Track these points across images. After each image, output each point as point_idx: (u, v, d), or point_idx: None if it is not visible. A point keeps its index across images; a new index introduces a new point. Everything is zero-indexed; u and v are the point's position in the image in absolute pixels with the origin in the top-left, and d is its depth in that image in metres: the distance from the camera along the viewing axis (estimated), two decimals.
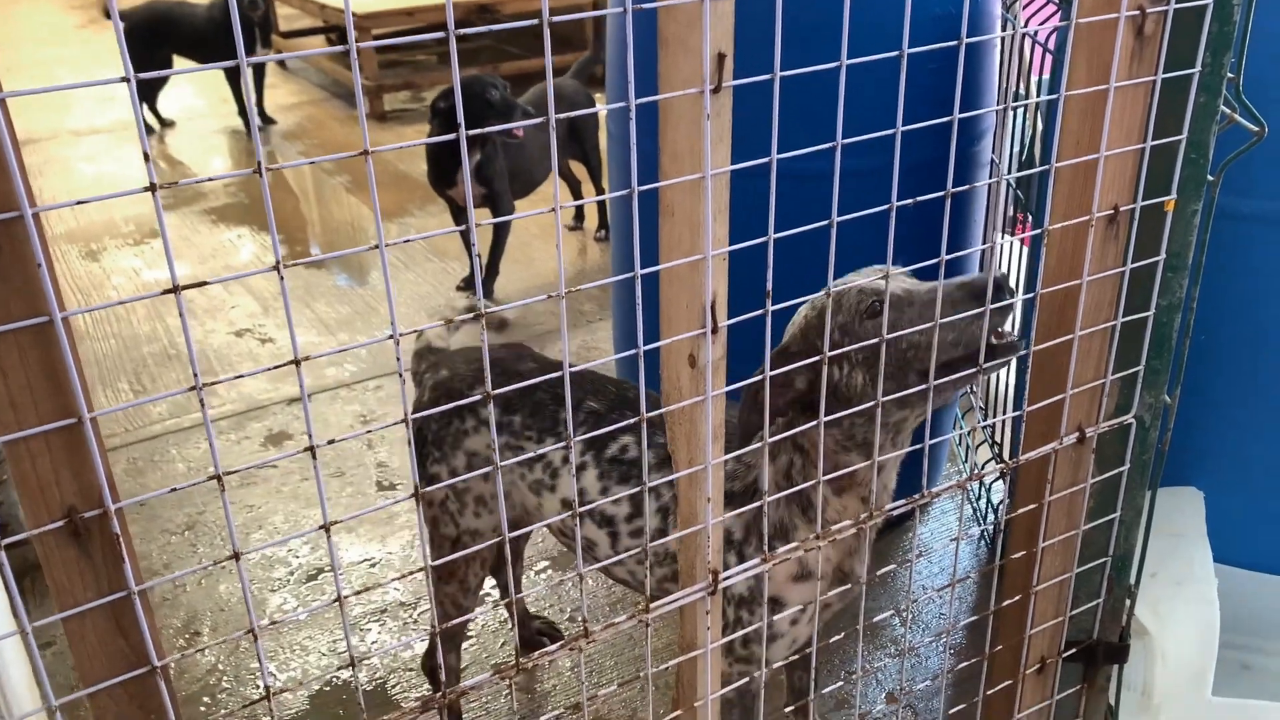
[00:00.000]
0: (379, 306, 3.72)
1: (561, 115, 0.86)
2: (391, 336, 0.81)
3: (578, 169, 4.26)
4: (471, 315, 0.87)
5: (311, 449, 0.83)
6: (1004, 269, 2.56)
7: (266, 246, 4.31)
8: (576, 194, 4.33)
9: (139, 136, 0.71)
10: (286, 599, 2.32)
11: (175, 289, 0.74)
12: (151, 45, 5.47)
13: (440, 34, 0.77)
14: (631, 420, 1.04)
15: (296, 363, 0.80)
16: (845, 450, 1.31)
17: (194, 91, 6.54)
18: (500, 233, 3.78)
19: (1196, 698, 1.73)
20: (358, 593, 0.91)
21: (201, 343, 3.49)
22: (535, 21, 0.79)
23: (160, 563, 2.45)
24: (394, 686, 2.06)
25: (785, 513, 1.37)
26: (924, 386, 1.16)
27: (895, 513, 1.26)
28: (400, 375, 0.84)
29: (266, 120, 6.00)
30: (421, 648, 2.13)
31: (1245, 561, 1.90)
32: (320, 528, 0.87)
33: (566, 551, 2.39)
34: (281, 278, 0.76)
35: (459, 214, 3.77)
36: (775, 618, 1.37)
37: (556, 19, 0.81)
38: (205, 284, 0.74)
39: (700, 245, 0.97)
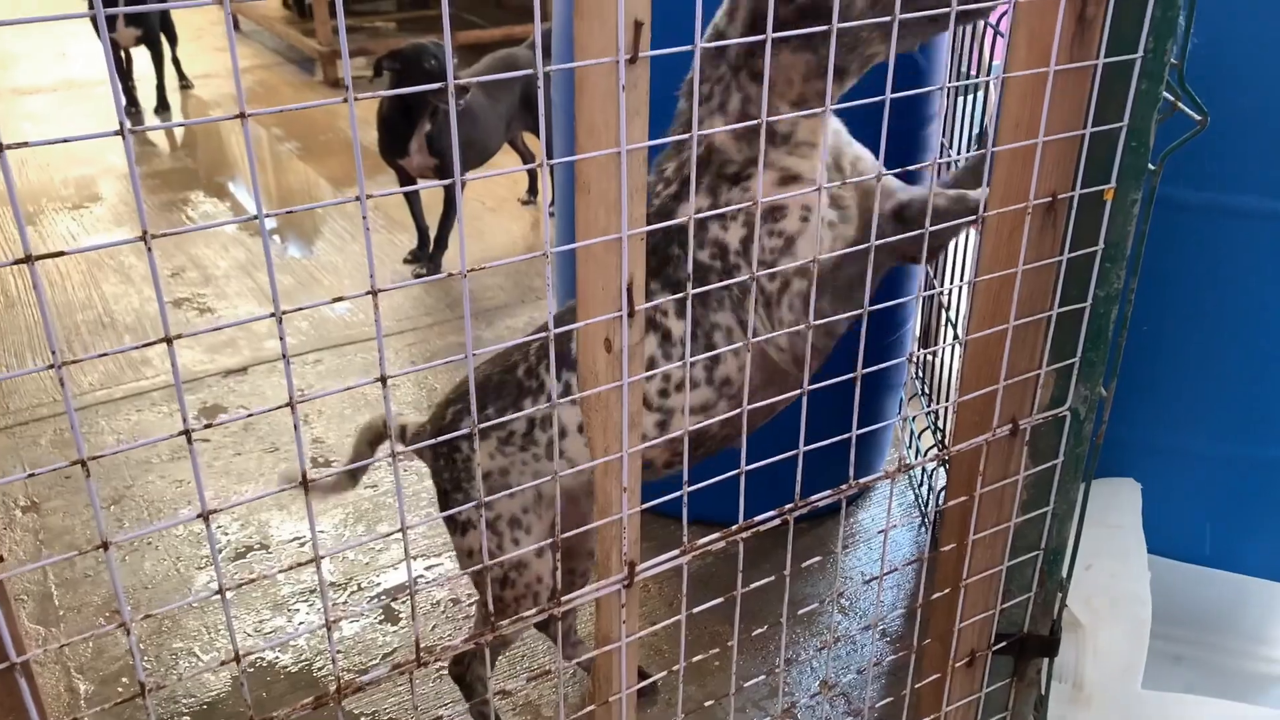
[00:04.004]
0: (322, 277, 3.64)
1: (469, 81, 0.80)
2: (274, 314, 0.76)
3: (531, 141, 4.19)
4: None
5: (187, 433, 0.78)
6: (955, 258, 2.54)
7: (210, 214, 4.21)
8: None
9: None
10: (214, 576, 2.26)
11: (28, 259, 0.68)
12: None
13: None
14: (547, 406, 1.00)
15: (168, 340, 0.74)
16: (813, 80, 1.27)
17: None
18: (450, 206, 3.70)
19: (1127, 690, 1.72)
20: (239, 586, 0.86)
21: (138, 310, 3.40)
22: None
23: (83, 538, 2.38)
24: (320, 669, 2.01)
25: (747, 155, 1.31)
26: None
27: (823, 503, 1.23)
28: (280, 334, 0.79)
29: (185, 83, 5.79)
30: (349, 628, 2.08)
31: (1180, 554, 1.89)
32: (199, 516, 0.82)
33: None
34: (149, 249, 0.71)
35: (407, 185, 3.69)
36: (777, 224, 1.30)
37: None
38: (63, 254, 0.69)
39: (616, 224, 0.92)
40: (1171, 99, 1.20)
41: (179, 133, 5.35)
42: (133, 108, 5.44)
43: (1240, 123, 1.56)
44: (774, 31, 1.19)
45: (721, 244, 1.32)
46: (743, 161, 1.32)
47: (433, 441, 1.53)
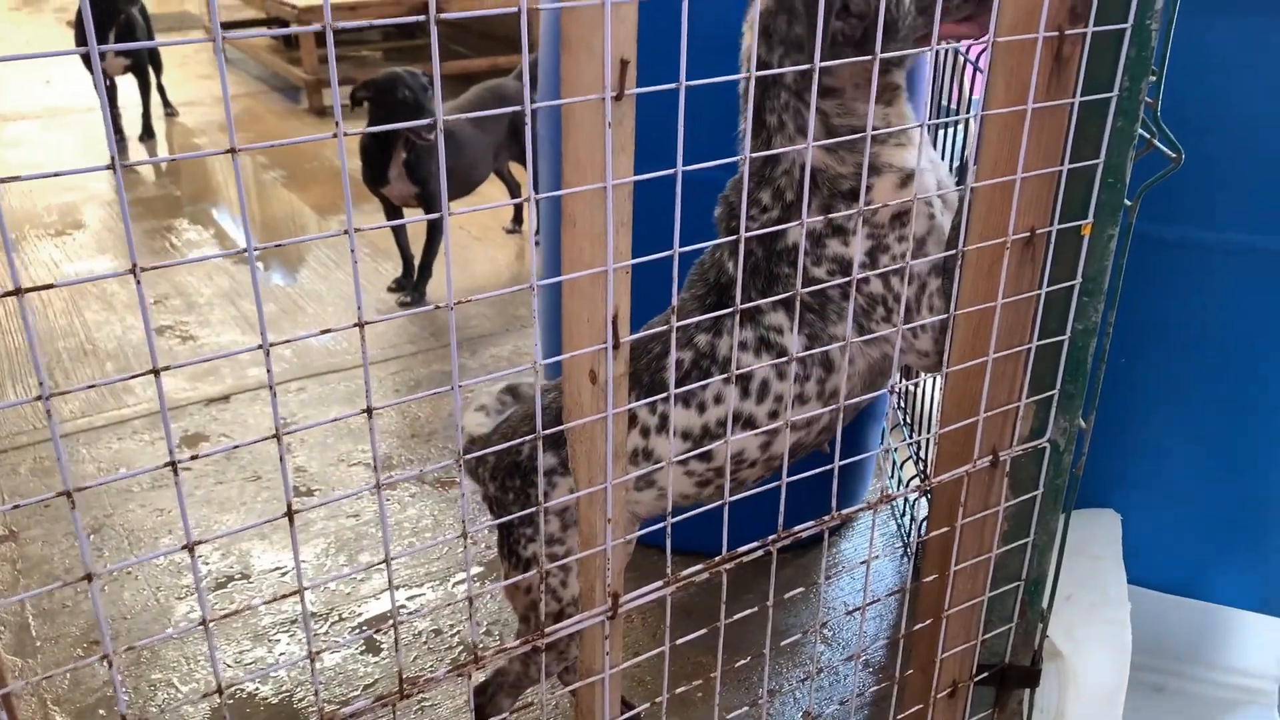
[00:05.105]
0: (306, 305, 3.63)
1: (456, 116, 0.82)
2: (261, 345, 0.76)
3: (518, 171, 4.21)
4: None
5: (174, 464, 0.78)
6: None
7: (193, 241, 4.21)
8: (515, 197, 4.28)
9: None
10: (193, 607, 2.24)
11: (18, 291, 0.68)
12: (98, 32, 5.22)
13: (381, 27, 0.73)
14: (529, 438, 1.00)
15: (155, 373, 0.75)
16: (885, 72, 1.31)
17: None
18: (434, 234, 3.71)
19: None
20: (222, 617, 0.86)
21: (120, 338, 3.38)
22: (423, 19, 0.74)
23: (62, 567, 2.36)
24: (300, 700, 1.99)
25: (854, 163, 1.32)
26: None
27: (806, 533, 1.23)
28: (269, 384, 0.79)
29: (169, 110, 5.80)
30: (330, 659, 2.07)
31: (1160, 584, 1.91)
32: (184, 547, 0.82)
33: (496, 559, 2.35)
34: (139, 282, 0.71)
35: (392, 213, 3.70)
36: (905, 228, 1.32)
37: (447, 16, 0.77)
38: (52, 286, 0.69)
39: (601, 257, 0.93)
40: (1147, 136, 1.23)
41: None
42: (118, 135, 5.43)
43: (1214, 159, 1.59)
44: (838, 45, 1.24)
45: (844, 260, 1.32)
46: (852, 173, 1.32)
47: (497, 447, 1.42)
